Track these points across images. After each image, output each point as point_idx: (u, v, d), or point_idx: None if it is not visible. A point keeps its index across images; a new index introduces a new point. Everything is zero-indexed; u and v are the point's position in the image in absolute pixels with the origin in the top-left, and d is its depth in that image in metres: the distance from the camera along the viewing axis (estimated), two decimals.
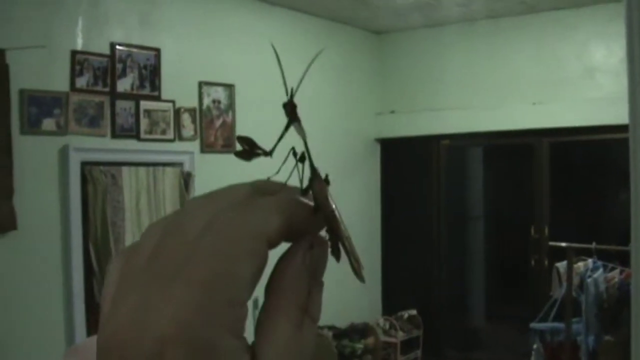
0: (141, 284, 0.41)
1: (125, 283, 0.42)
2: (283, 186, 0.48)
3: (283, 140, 0.51)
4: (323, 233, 0.48)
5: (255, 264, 0.41)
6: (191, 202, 0.46)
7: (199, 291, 0.39)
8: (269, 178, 0.49)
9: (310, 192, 0.48)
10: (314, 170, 0.49)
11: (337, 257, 0.49)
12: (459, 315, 7.75)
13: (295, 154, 0.51)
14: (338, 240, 0.48)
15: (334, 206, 0.49)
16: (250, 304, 0.42)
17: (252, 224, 0.42)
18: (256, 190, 0.46)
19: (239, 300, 0.40)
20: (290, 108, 0.51)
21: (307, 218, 0.46)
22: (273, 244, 0.43)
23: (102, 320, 0.42)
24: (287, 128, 0.51)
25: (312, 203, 0.47)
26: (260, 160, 0.51)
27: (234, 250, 0.41)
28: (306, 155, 0.51)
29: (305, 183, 0.48)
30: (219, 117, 5.85)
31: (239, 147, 0.51)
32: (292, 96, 0.52)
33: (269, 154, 0.50)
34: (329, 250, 0.47)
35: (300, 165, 0.50)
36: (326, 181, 0.49)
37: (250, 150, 0.50)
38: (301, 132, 0.50)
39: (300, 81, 0.52)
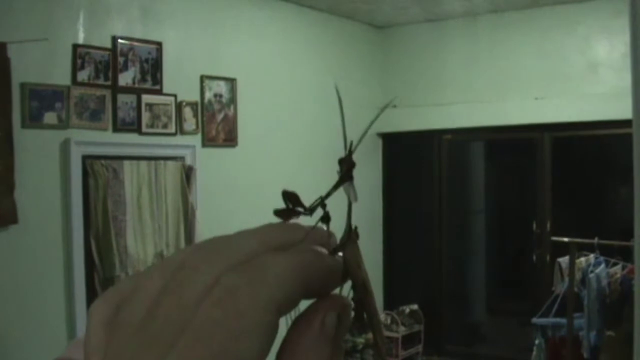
0: (132, 350, 0.36)
1: (116, 344, 0.37)
2: (302, 233, 0.42)
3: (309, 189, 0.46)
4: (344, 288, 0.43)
5: (262, 340, 0.36)
6: (196, 253, 0.39)
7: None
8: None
9: (340, 255, 0.42)
10: (349, 231, 0.44)
11: (360, 331, 0.45)
12: (460, 309, 7.75)
13: (324, 207, 0.44)
14: (366, 313, 0.44)
15: (366, 275, 0.43)
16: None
17: (259, 291, 0.37)
18: (269, 241, 0.40)
19: None
20: (347, 166, 0.45)
21: (329, 277, 0.40)
22: (285, 311, 0.38)
23: None
24: (337, 186, 0.45)
25: (337, 260, 0.42)
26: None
27: (236, 324, 0.35)
28: (347, 216, 0.45)
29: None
30: (220, 111, 5.84)
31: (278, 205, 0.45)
32: (351, 153, 0.45)
33: (308, 212, 0.44)
34: (352, 319, 0.42)
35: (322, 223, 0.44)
36: (355, 234, 0.44)
37: (291, 208, 0.44)
38: (352, 193, 0.44)
39: (362, 137, 0.46)
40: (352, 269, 0.42)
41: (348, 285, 0.43)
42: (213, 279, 0.37)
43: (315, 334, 0.38)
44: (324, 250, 0.42)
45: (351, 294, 0.43)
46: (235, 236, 0.41)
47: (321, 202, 0.44)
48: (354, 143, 0.44)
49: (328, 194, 0.44)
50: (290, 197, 0.44)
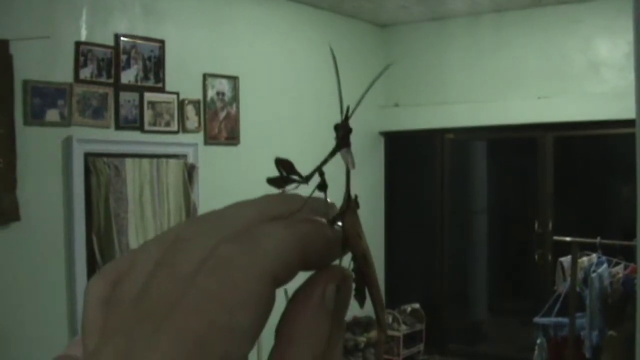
0: (128, 325, 0.35)
1: (113, 321, 0.37)
2: (300, 203, 0.40)
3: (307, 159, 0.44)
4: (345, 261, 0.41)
5: (257, 312, 0.35)
6: (191, 225, 0.39)
7: (187, 344, 0.33)
8: (283, 190, 0.42)
9: (340, 225, 0.41)
10: (348, 200, 0.42)
11: (362, 303, 0.43)
12: (462, 309, 7.75)
13: (322, 175, 0.43)
14: (367, 285, 0.43)
15: (367, 246, 0.42)
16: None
17: (254, 262, 0.36)
18: (265, 211, 0.39)
19: (234, 355, 0.34)
20: (343, 132, 0.43)
21: (328, 247, 0.39)
22: (282, 283, 0.37)
23: (86, 357, 0.37)
24: (333, 153, 0.43)
25: (337, 230, 0.40)
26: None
27: (230, 295, 0.34)
28: (346, 185, 0.43)
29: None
30: (223, 109, 5.84)
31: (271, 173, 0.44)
32: (347, 118, 0.43)
33: (305, 180, 0.43)
34: (353, 290, 0.41)
35: (319, 190, 0.43)
36: (355, 203, 0.43)
37: (285, 176, 0.43)
38: (349, 160, 0.43)
39: (358, 104, 0.43)
40: (351, 239, 0.41)
41: (349, 257, 0.42)
42: (208, 250, 0.36)
43: (314, 306, 0.37)
44: (323, 220, 0.41)
45: (352, 266, 0.42)
46: (232, 207, 0.40)
47: (318, 170, 0.42)
48: (351, 108, 0.43)
49: (325, 161, 0.43)
50: (284, 165, 0.43)
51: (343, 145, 0.43)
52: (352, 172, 0.44)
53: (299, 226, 0.38)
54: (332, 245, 0.40)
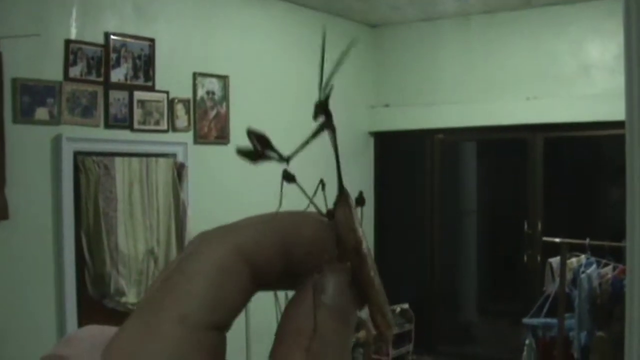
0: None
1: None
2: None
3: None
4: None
5: (211, 277, 0.37)
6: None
7: (150, 309, 0.37)
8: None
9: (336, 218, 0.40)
10: (341, 191, 0.41)
11: (359, 306, 0.40)
12: (451, 309, 7.76)
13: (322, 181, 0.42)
14: (360, 282, 0.40)
15: (361, 238, 0.41)
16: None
17: (224, 236, 0.38)
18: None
19: (192, 318, 0.36)
20: (323, 112, 0.42)
21: (317, 238, 0.40)
22: (251, 258, 0.38)
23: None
24: (315, 135, 0.43)
25: (330, 223, 0.40)
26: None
27: (192, 266, 0.37)
28: (337, 175, 0.43)
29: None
30: (213, 108, 5.83)
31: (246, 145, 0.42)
32: (327, 97, 0.42)
33: (285, 160, 0.42)
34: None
35: (315, 187, 0.42)
36: (360, 201, 0.42)
37: (260, 150, 0.41)
38: (333, 139, 0.42)
39: (332, 74, 0.43)
40: (342, 232, 0.40)
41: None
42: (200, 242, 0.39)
43: (300, 302, 0.38)
44: (314, 214, 0.41)
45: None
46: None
47: (299, 149, 0.42)
48: (328, 87, 0.42)
49: (307, 142, 0.42)
50: (259, 139, 0.42)
51: (328, 127, 0.43)
52: (342, 172, 0.43)
53: (280, 215, 0.40)
54: (323, 238, 0.40)
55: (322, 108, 0.42)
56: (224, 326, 0.37)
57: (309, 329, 0.37)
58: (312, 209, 0.41)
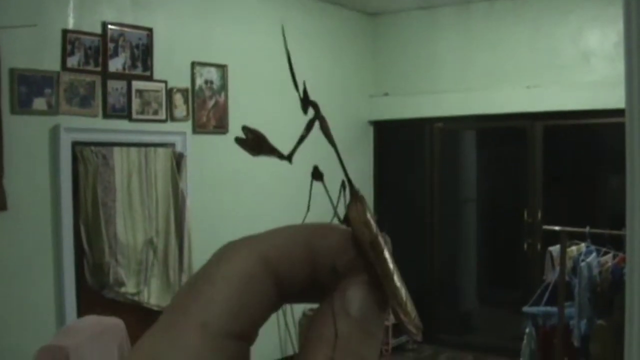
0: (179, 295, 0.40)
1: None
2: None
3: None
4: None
5: (234, 284, 0.38)
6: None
7: (173, 314, 0.38)
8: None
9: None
10: (351, 189, 0.42)
11: (383, 309, 0.40)
12: (451, 298, 7.76)
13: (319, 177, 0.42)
14: (381, 280, 0.40)
15: (376, 232, 0.40)
16: None
17: (250, 248, 0.39)
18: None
19: (214, 325, 0.37)
20: (307, 103, 0.43)
21: (337, 240, 0.40)
22: (276, 265, 0.39)
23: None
24: (308, 129, 0.43)
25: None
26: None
27: (217, 273, 0.38)
28: (344, 173, 0.42)
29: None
30: (211, 97, 5.82)
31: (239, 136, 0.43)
32: (305, 89, 0.43)
33: (287, 158, 0.43)
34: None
35: (317, 185, 0.42)
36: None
37: (258, 144, 0.42)
38: (326, 130, 0.42)
39: (291, 68, 0.44)
40: (356, 228, 0.40)
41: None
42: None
43: (331, 308, 0.38)
44: (341, 226, 0.41)
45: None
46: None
47: (297, 146, 0.42)
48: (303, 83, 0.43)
49: (302, 137, 0.43)
50: (254, 133, 0.42)
51: (320, 120, 0.42)
52: (345, 167, 0.43)
53: (306, 226, 0.41)
54: (349, 248, 0.40)
55: (306, 101, 0.43)
56: (246, 336, 0.38)
57: (332, 338, 0.38)
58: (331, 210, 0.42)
